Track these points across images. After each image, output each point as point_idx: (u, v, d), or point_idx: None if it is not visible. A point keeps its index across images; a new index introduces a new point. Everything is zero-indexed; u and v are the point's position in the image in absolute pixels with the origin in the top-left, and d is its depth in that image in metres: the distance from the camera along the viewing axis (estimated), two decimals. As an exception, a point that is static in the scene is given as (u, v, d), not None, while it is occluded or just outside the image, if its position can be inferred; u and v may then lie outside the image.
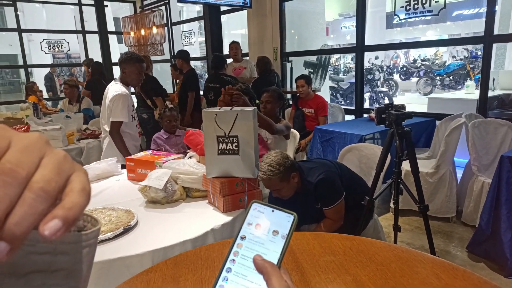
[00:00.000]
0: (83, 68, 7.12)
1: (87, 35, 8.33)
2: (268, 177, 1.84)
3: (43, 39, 7.64)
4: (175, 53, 5.21)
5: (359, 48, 4.91)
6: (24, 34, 7.58)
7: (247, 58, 5.77)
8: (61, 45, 7.74)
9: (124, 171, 2.38)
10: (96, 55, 7.90)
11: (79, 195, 0.29)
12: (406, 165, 2.44)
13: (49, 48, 7.65)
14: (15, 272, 0.32)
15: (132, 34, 7.56)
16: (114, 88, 2.76)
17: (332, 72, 11.98)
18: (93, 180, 2.31)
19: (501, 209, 2.45)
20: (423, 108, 6.56)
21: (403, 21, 4.58)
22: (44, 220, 0.27)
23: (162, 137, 3.15)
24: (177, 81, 6.04)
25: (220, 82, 4.40)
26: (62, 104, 5.14)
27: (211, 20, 6.55)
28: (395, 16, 4.35)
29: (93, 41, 8.28)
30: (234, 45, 5.21)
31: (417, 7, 4.06)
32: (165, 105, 4.73)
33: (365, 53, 4.98)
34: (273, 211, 0.50)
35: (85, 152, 3.63)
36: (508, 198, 2.42)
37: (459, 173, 3.39)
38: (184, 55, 4.97)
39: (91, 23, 8.55)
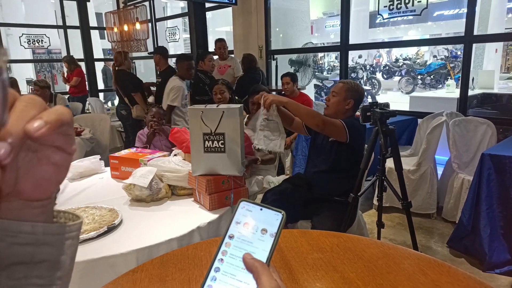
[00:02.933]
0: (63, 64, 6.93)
1: (68, 30, 8.13)
2: (342, 83, 2.24)
3: (22, 34, 7.41)
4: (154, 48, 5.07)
5: (343, 47, 4.95)
6: (2, 28, 7.34)
7: (233, 55, 5.74)
8: (41, 40, 7.51)
9: (108, 169, 2.35)
10: (77, 51, 7.72)
11: (61, 108, 0.33)
12: (388, 163, 2.48)
13: (29, 43, 7.41)
14: None
15: (115, 29, 7.42)
16: (173, 82, 3.74)
17: (317, 70, 12.07)
18: (75, 178, 2.27)
19: (481, 205, 2.51)
20: (405, 107, 6.66)
21: (386, 20, 4.65)
22: (30, 121, 0.31)
23: (146, 135, 3.10)
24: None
25: (194, 78, 4.36)
26: None
27: (196, 16, 6.49)
28: (379, 16, 4.40)
29: (75, 36, 8.08)
30: (222, 43, 5.14)
31: (400, 7, 4.12)
32: (148, 103, 4.65)
33: (349, 52, 5.02)
34: (261, 209, 0.49)
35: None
36: (488, 195, 2.48)
37: (440, 171, 3.46)
38: (162, 51, 4.79)
39: (73, 18, 8.33)
